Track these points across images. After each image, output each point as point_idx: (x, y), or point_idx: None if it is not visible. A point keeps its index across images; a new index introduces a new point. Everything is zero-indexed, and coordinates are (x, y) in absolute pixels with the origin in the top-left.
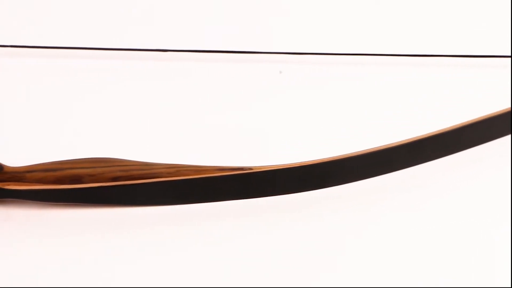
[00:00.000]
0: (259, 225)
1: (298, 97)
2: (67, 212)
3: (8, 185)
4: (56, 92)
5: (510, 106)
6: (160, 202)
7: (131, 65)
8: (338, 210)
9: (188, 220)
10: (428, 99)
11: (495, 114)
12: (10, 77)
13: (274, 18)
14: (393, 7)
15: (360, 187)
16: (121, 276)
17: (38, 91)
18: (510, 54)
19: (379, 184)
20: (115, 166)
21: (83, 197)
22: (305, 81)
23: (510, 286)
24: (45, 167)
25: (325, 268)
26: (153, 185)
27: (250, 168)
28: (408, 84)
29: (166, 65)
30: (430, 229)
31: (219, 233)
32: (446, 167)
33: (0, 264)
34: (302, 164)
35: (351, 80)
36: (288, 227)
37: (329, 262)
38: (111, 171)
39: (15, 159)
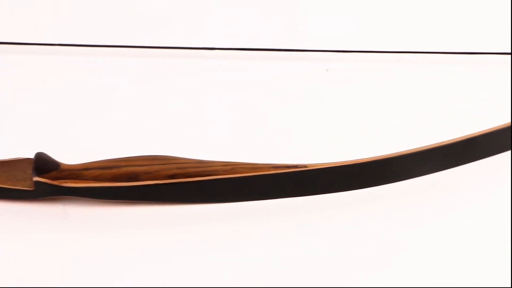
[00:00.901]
0: (315, 223)
1: (345, 94)
2: (124, 210)
3: (66, 182)
4: (109, 90)
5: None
6: (216, 199)
7: (186, 63)
8: (393, 208)
9: (242, 217)
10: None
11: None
12: (62, 76)
13: (321, 16)
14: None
15: (414, 185)
16: (181, 272)
17: (90, 90)
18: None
19: (432, 182)
20: (171, 164)
21: (140, 194)
22: (352, 79)
23: (510, 286)
24: (102, 164)
25: (383, 267)
26: (209, 182)
27: (305, 166)
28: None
29: (216, 63)
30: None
31: (274, 230)
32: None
33: (59, 261)
34: (357, 162)
35: (396, 78)
36: (344, 225)
37: (387, 260)
38: (167, 169)
39: (72, 157)
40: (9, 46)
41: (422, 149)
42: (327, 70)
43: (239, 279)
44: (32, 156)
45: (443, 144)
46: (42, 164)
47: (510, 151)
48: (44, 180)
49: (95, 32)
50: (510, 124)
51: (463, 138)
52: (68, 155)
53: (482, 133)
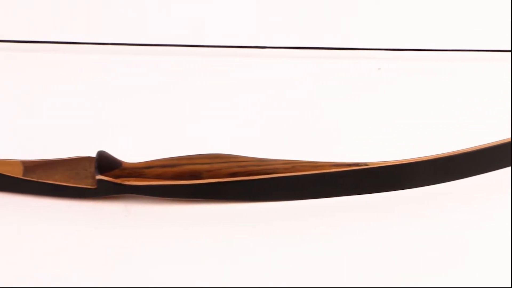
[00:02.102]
0: (375, 221)
1: (398, 93)
2: (186, 208)
3: (128, 181)
4: (167, 89)
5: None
6: (276, 197)
7: (246, 62)
8: (460, 206)
9: (299, 216)
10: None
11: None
12: (120, 76)
13: (374, 14)
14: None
15: (471, 184)
16: (244, 270)
17: (148, 89)
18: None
19: (482, 183)
20: (232, 162)
21: (201, 192)
22: (403, 77)
23: (510, 286)
24: (163, 163)
25: (444, 267)
26: (270, 181)
27: (365, 164)
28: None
29: (276, 62)
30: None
31: (330, 229)
32: None
33: (121, 259)
34: (417, 160)
35: (447, 76)
36: (405, 223)
37: (448, 259)
38: (228, 167)
39: (134, 155)
40: (67, 46)
41: (477, 148)
42: (379, 68)
43: (307, 277)
44: (93, 154)
45: (503, 141)
46: (105, 162)
47: None
48: (106, 178)
49: (149, 32)
50: None
51: None
52: (128, 153)
53: None
